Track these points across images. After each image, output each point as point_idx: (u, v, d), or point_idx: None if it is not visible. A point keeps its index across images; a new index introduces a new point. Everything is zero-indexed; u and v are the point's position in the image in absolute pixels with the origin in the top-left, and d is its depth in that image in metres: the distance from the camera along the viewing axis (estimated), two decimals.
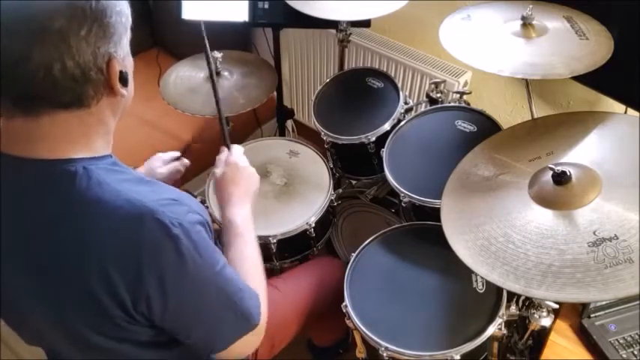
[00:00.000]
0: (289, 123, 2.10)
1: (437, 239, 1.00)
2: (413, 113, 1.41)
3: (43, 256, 0.70)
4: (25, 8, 0.62)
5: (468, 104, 1.38)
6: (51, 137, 0.69)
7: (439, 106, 1.39)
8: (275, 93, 1.79)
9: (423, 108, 1.44)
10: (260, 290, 0.89)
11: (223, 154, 1.10)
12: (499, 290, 1.03)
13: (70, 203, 0.68)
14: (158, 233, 0.68)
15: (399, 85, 1.45)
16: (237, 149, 1.11)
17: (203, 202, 1.35)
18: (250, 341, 0.85)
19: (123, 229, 0.67)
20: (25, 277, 0.72)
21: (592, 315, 1.12)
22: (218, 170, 1.06)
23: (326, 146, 1.48)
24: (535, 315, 0.99)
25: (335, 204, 1.43)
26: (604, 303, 1.12)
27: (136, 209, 0.68)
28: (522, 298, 1.05)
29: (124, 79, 0.72)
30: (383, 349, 0.99)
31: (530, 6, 1.11)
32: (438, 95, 1.45)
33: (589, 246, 0.78)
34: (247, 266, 0.92)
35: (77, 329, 0.74)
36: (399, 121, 1.39)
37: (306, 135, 2.14)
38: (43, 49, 0.62)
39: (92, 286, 0.68)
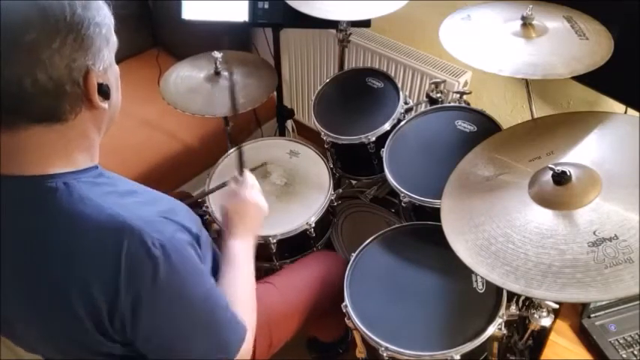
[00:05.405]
0: (289, 123, 2.10)
1: (437, 239, 1.00)
2: (413, 113, 1.41)
3: (28, 273, 0.69)
4: None
5: (468, 104, 1.38)
6: (29, 152, 0.67)
7: (439, 106, 1.39)
8: (275, 93, 1.79)
9: (423, 108, 1.44)
10: (246, 321, 0.86)
11: (236, 184, 1.07)
12: (499, 290, 1.03)
13: (52, 220, 0.67)
14: (138, 252, 0.66)
15: (399, 85, 1.45)
16: (249, 178, 1.08)
17: (202, 203, 1.35)
18: None
19: (104, 244, 0.66)
20: (13, 292, 0.72)
21: (592, 315, 1.12)
22: (227, 202, 1.04)
23: (326, 146, 1.48)
24: (535, 315, 0.99)
25: (335, 204, 1.43)
26: (604, 303, 1.12)
27: (118, 224, 0.66)
28: (522, 298, 1.06)
29: (104, 93, 0.69)
30: (383, 349, 0.99)
31: (530, 6, 1.11)
32: (438, 95, 1.45)
33: (589, 246, 0.78)
34: (239, 297, 0.89)
35: (62, 343, 0.74)
36: (399, 121, 1.38)
37: (306, 135, 2.14)
38: (14, 63, 0.60)
39: (73, 302, 0.67)
